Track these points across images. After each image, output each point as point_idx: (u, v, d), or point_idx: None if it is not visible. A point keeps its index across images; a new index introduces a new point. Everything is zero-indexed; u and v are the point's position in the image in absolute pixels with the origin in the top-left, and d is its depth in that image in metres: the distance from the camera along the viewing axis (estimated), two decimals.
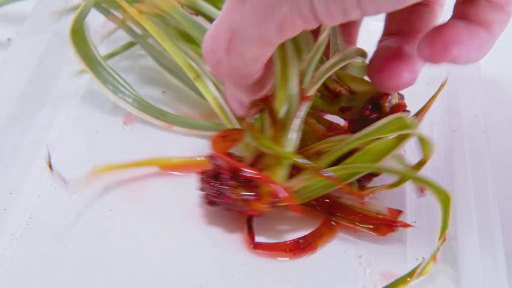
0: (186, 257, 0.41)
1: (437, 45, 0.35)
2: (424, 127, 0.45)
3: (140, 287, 0.39)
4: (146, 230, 0.42)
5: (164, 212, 0.43)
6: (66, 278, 0.40)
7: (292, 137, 0.40)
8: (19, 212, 0.43)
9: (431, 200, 0.43)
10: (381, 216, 0.41)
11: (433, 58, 0.35)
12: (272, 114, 0.39)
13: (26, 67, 0.48)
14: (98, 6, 0.51)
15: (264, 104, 0.40)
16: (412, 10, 0.40)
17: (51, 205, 0.43)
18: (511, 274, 0.37)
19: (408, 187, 0.44)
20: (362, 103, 0.42)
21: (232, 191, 0.40)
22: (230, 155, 0.41)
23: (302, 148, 0.41)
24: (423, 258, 0.40)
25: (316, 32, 0.40)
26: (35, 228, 0.42)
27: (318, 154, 0.41)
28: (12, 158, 0.45)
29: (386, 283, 0.39)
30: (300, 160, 0.39)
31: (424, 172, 0.45)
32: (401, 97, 0.43)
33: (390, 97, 0.42)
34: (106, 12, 0.51)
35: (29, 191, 0.44)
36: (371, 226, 0.41)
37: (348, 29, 0.43)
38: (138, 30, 0.51)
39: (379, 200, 0.43)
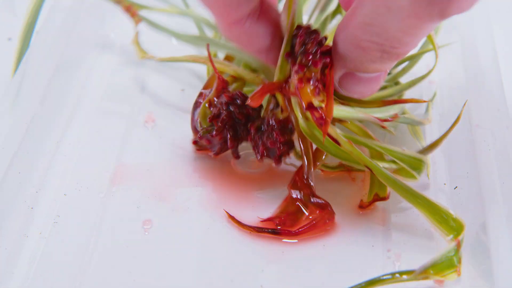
0: (216, 253, 0.41)
1: None
2: (446, 123, 0.45)
3: (172, 284, 0.40)
4: (173, 227, 0.42)
5: (190, 209, 0.43)
6: (96, 276, 0.40)
7: None
8: (46, 210, 0.43)
9: (463, 195, 0.43)
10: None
11: None
12: None
13: (47, 66, 0.48)
14: None
15: None
16: None
17: (78, 203, 0.43)
18: None
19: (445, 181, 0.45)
20: None
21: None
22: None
23: None
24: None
25: None
26: (64, 227, 0.42)
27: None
28: (37, 157, 0.45)
29: None
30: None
31: (448, 167, 0.45)
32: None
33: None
34: None
35: (55, 189, 0.44)
36: None
37: None
38: None
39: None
